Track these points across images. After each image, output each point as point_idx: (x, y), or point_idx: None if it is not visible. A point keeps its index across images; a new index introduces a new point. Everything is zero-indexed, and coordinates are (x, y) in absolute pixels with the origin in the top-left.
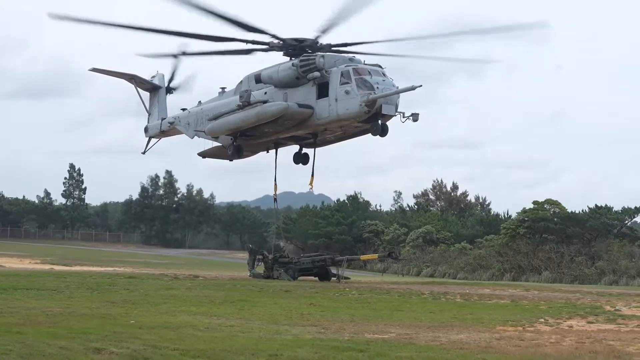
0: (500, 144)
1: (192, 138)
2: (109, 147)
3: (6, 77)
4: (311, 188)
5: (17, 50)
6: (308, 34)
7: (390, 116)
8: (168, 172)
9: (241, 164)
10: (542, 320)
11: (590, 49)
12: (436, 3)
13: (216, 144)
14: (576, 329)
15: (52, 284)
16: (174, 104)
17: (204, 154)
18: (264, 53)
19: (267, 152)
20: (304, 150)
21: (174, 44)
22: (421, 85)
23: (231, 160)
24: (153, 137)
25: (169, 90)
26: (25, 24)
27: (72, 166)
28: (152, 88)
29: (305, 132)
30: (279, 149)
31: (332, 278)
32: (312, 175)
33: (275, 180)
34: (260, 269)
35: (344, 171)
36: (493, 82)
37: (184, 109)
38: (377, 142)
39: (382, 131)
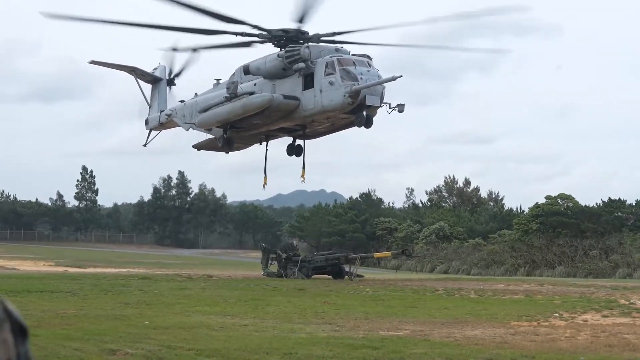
0: (511, 138)
1: (187, 130)
2: (120, 149)
3: (20, 80)
4: (303, 181)
5: (31, 53)
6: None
7: (376, 107)
8: (180, 173)
9: (253, 162)
10: (557, 314)
11: (601, 41)
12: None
13: (210, 136)
14: (591, 323)
15: (66, 286)
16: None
17: (198, 146)
18: (263, 45)
19: (260, 144)
20: (297, 142)
21: (172, 39)
22: (401, 76)
23: (226, 152)
24: (153, 130)
25: (171, 82)
26: (39, 27)
27: (84, 168)
28: (153, 80)
29: (293, 124)
30: (273, 142)
31: (346, 276)
32: (303, 167)
33: (265, 171)
34: (273, 267)
35: (357, 168)
36: (504, 77)
37: (182, 101)
38: (389, 138)
39: (367, 122)
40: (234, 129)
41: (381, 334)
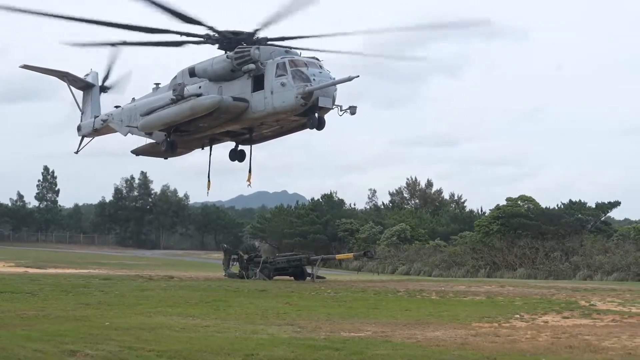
0: (476, 141)
1: (125, 135)
2: (82, 149)
3: None
4: (249, 185)
5: None
6: (245, 27)
7: (328, 109)
8: (143, 174)
9: (215, 164)
10: (518, 316)
11: (566, 46)
12: (415, 2)
13: (150, 140)
14: (552, 324)
15: (26, 287)
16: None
17: (137, 152)
18: (199, 47)
19: (202, 148)
20: (240, 147)
21: (109, 36)
22: (358, 76)
23: (165, 158)
24: (86, 136)
25: (103, 89)
26: (6, 30)
27: (46, 168)
28: (85, 86)
29: (241, 127)
30: (215, 146)
31: (307, 277)
32: (250, 171)
33: (208, 177)
34: (235, 268)
35: (320, 170)
36: (471, 80)
37: (117, 107)
38: (354, 141)
39: (319, 124)
40: (177, 133)
41: (343, 335)
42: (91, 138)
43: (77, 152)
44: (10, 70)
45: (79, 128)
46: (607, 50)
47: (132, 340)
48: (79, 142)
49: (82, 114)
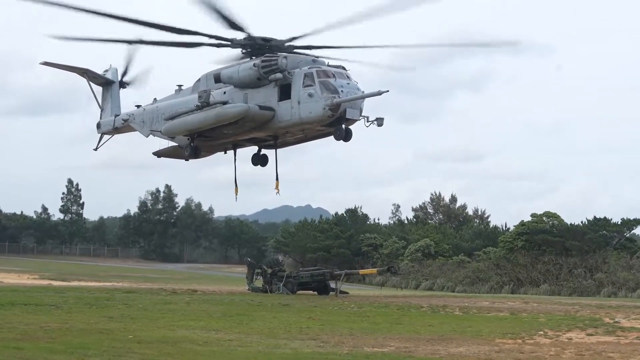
0: (500, 155)
1: (147, 137)
2: (106, 162)
3: (10, 94)
4: (277, 192)
5: (23, 68)
6: (276, 34)
7: (355, 120)
8: (167, 187)
9: (239, 177)
10: (542, 332)
11: (589, 60)
12: (442, 18)
13: (172, 143)
14: (575, 341)
15: (50, 300)
16: (130, 100)
17: (159, 154)
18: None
19: (225, 152)
20: (263, 151)
21: (133, 34)
22: (388, 90)
23: (187, 160)
24: (106, 134)
25: (122, 84)
26: (33, 42)
27: (70, 181)
28: (104, 82)
29: (265, 135)
30: (238, 159)
31: (331, 292)
32: (277, 179)
33: (235, 182)
34: (259, 283)
35: (344, 184)
36: (493, 95)
37: (138, 106)
38: (377, 155)
39: (346, 136)
40: (201, 138)
41: (366, 350)
42: (110, 135)
43: (96, 149)
44: (36, 83)
45: (98, 125)
46: (630, 64)
47: (154, 353)
48: (98, 139)
49: (101, 111)
